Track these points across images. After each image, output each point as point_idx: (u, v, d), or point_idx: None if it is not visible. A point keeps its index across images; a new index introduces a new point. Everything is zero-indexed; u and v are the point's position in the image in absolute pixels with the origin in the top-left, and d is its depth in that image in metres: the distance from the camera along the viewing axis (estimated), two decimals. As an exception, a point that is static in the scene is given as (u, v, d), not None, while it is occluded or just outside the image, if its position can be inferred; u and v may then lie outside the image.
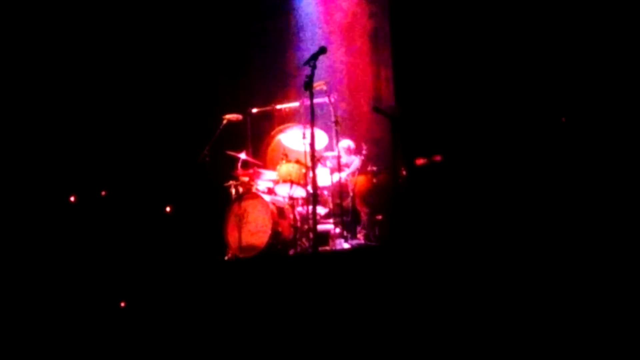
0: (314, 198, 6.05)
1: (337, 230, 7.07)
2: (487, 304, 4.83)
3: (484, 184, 5.79)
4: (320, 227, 6.91)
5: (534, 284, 4.83)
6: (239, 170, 7.44)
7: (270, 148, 8.34)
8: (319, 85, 6.71)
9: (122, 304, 6.34)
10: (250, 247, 6.92)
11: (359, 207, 7.21)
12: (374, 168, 7.29)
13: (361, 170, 7.30)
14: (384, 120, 7.28)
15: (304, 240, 6.98)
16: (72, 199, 7.75)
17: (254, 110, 8.04)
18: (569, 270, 4.84)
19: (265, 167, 7.76)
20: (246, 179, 7.44)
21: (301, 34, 8.78)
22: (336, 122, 7.13)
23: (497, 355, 4.55)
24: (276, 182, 7.34)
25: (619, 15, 5.60)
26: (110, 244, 7.41)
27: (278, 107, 8.10)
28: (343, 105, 8.14)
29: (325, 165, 7.36)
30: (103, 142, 8.05)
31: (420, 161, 6.24)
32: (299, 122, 7.66)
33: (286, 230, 7.07)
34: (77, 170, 7.82)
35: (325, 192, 7.37)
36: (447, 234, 5.57)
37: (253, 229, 6.98)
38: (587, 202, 5.27)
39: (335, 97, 7.42)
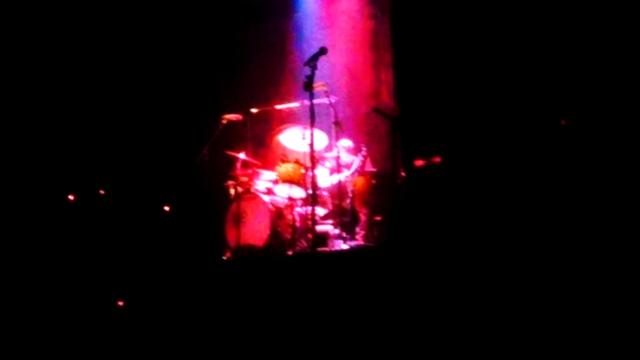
0: (313, 198, 6.05)
1: (336, 231, 7.07)
2: (486, 305, 4.82)
3: (484, 185, 5.78)
4: (319, 227, 6.90)
5: (533, 285, 4.82)
6: (238, 170, 7.44)
7: (269, 148, 8.34)
8: (319, 86, 6.70)
9: (120, 303, 6.33)
10: (249, 247, 6.91)
11: (358, 208, 7.20)
12: (374, 169, 7.29)
13: (360, 171, 7.30)
14: (383, 121, 7.28)
15: (302, 240, 6.97)
16: (70, 197, 7.74)
17: (254, 111, 8.03)
18: (568, 271, 4.84)
19: (264, 167, 7.76)
20: (245, 179, 7.44)
21: (302, 35, 8.78)
22: (336, 123, 7.12)
23: (496, 356, 4.55)
24: (275, 183, 7.34)
25: (619, 17, 5.60)
26: (109, 243, 7.40)
27: (278, 107, 8.10)
28: (343, 106, 8.13)
29: (324, 166, 7.36)
30: (102, 141, 8.05)
31: (419, 162, 6.23)
32: (299, 122, 7.65)
33: (285, 231, 7.07)
34: (75, 169, 7.82)
35: (325, 193, 7.37)
36: (446, 236, 5.56)
37: (252, 229, 6.98)
38: (587, 204, 5.27)
39: (335, 97, 7.41)
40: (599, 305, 4.56)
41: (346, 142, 7.53)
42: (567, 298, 4.68)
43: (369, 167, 7.37)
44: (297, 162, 7.20)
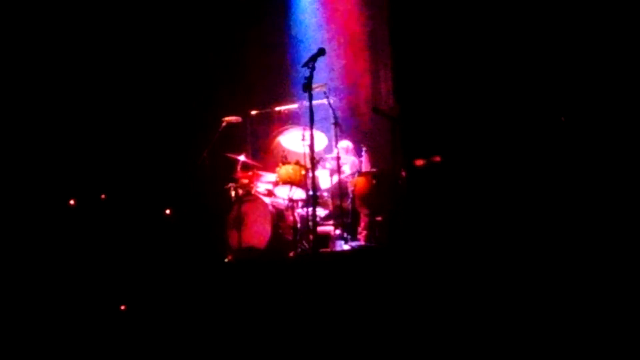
0: (314, 200, 6.05)
1: (337, 231, 7.07)
2: (487, 305, 4.82)
3: (484, 184, 5.78)
4: (320, 228, 6.91)
5: (534, 285, 4.82)
6: (239, 172, 7.44)
7: (269, 150, 8.34)
8: (318, 86, 6.70)
9: (123, 308, 6.33)
10: (250, 249, 6.92)
11: (358, 209, 7.20)
12: (374, 169, 7.29)
13: (361, 171, 7.30)
14: (383, 121, 7.29)
15: (304, 242, 6.97)
16: (71, 202, 7.74)
17: (253, 112, 8.04)
18: (568, 270, 4.84)
19: (264, 169, 7.76)
20: (246, 181, 7.44)
21: (300, 36, 8.78)
22: (335, 124, 7.13)
23: (497, 356, 4.54)
24: (276, 184, 7.34)
25: (618, 13, 5.59)
26: (110, 247, 7.40)
27: (277, 109, 8.11)
28: (342, 106, 8.13)
29: (324, 167, 7.36)
30: (102, 146, 8.05)
31: (419, 162, 6.23)
32: (299, 123, 7.66)
33: (286, 232, 7.07)
34: (76, 174, 7.82)
35: (325, 194, 7.37)
36: (447, 235, 5.56)
37: (253, 231, 6.99)
38: (588, 201, 5.27)
39: (335, 98, 7.41)
40: (599, 305, 4.56)
41: (346, 143, 7.53)
42: (567, 298, 4.68)
43: (370, 168, 7.37)
44: (297, 163, 7.20)
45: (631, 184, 5.21)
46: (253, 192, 7.31)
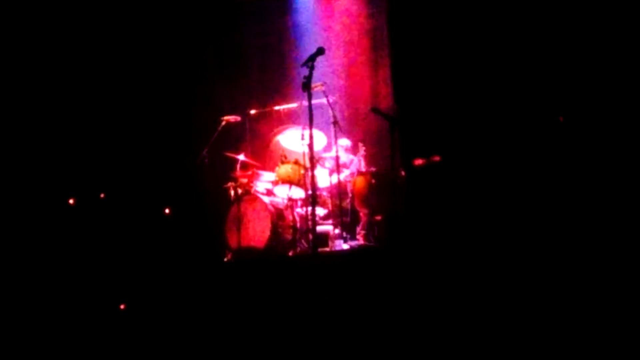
0: (313, 199, 6.06)
1: (337, 231, 7.07)
2: (486, 305, 4.82)
3: (483, 184, 5.79)
4: (319, 228, 6.91)
5: (534, 285, 4.83)
6: (238, 171, 7.45)
7: (268, 149, 8.34)
8: (317, 86, 6.71)
9: (122, 307, 6.33)
10: (250, 249, 6.92)
11: (358, 208, 7.21)
12: (373, 169, 7.30)
13: (360, 170, 7.30)
14: (382, 121, 7.29)
15: (303, 241, 6.98)
16: (71, 201, 7.75)
17: (252, 112, 8.04)
18: (568, 270, 4.84)
19: (264, 168, 7.76)
20: (245, 180, 7.44)
21: (299, 35, 8.78)
22: (335, 123, 7.13)
23: (496, 356, 4.55)
24: (275, 183, 7.34)
25: (616, 13, 5.60)
26: (110, 246, 7.40)
27: (276, 108, 8.11)
28: (341, 106, 8.14)
29: (324, 166, 7.36)
30: (102, 145, 8.05)
31: (418, 161, 6.24)
32: (297, 123, 7.66)
33: (285, 232, 7.08)
34: (76, 173, 7.82)
35: (324, 193, 7.37)
36: (446, 235, 5.56)
37: (252, 231, 6.99)
38: (586, 201, 5.27)
39: (334, 97, 7.41)
40: (598, 305, 4.56)
41: (345, 142, 7.53)
42: (566, 298, 4.68)
43: (369, 167, 7.37)
44: (296, 162, 7.21)
45: (630, 183, 5.22)
46: (252, 191, 7.31)
